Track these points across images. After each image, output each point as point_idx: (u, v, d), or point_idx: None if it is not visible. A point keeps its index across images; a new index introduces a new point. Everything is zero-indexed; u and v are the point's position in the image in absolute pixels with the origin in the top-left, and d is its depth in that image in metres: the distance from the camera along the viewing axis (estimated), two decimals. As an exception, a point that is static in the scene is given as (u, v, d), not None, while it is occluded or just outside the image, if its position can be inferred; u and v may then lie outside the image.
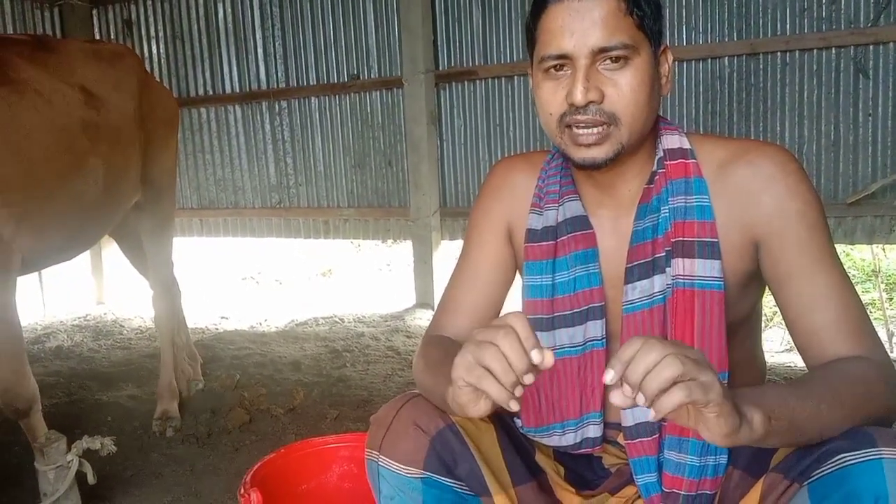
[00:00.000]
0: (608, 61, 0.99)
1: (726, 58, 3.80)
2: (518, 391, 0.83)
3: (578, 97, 0.98)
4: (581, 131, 1.01)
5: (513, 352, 0.81)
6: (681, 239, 1.05)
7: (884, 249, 4.97)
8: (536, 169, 1.22)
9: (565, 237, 1.13)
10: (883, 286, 4.66)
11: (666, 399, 0.74)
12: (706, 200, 1.06)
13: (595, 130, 1.00)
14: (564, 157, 1.09)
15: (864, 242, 3.81)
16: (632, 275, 1.08)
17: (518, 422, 1.18)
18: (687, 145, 1.09)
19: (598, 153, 1.01)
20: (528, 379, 0.82)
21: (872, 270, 4.78)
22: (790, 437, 0.86)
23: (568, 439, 1.13)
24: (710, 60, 3.84)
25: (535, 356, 0.81)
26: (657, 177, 1.09)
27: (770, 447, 0.94)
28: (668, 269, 1.06)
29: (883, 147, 3.54)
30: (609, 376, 0.77)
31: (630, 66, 0.99)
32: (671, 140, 1.10)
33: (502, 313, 1.22)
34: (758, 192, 1.03)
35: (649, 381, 0.74)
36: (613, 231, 1.12)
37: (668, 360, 0.74)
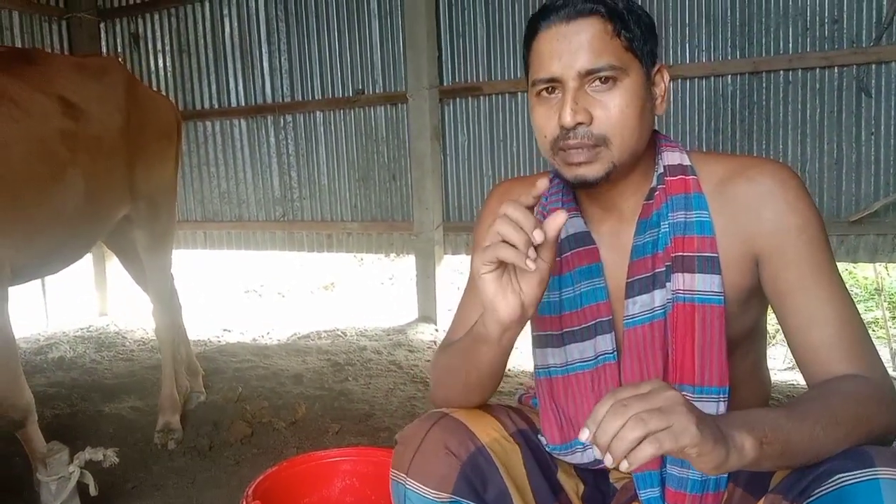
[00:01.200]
0: (597, 83, 1.01)
1: (729, 76, 3.82)
2: (532, 253, 0.88)
3: (567, 119, 1.00)
4: (572, 151, 1.02)
5: (518, 212, 0.88)
6: (681, 254, 1.06)
7: (886, 268, 4.96)
8: None
9: (568, 253, 1.14)
10: (886, 305, 4.65)
11: (637, 454, 0.75)
12: (706, 216, 1.07)
13: (585, 150, 1.02)
14: (559, 177, 1.11)
15: (866, 261, 3.81)
16: (632, 289, 1.09)
17: (543, 440, 1.18)
18: (687, 162, 1.11)
19: (589, 171, 1.03)
20: (538, 236, 0.87)
21: (875, 289, 4.78)
22: (785, 461, 0.86)
23: (589, 455, 1.13)
24: (713, 78, 3.86)
25: (542, 185, 0.90)
26: (657, 192, 1.10)
27: (765, 471, 0.94)
28: (668, 284, 1.07)
29: (885, 165, 3.55)
30: (584, 435, 0.79)
31: (619, 87, 1.01)
32: (672, 157, 1.11)
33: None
34: (758, 208, 1.04)
35: (616, 447, 0.76)
36: (614, 246, 1.13)
37: (631, 424, 0.75)
